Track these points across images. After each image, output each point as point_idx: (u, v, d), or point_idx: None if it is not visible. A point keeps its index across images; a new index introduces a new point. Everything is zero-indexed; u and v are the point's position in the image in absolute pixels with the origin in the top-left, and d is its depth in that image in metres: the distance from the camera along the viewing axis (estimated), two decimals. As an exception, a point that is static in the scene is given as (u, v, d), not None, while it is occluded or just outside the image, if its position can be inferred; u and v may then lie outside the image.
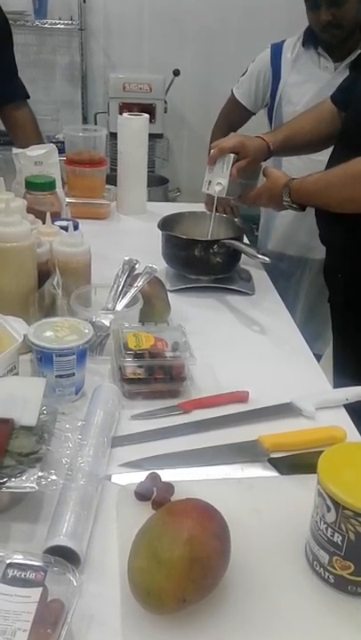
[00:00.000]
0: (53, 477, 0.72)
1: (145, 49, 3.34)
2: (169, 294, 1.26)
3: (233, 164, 1.41)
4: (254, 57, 2.08)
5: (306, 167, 1.46)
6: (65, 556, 0.64)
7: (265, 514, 0.76)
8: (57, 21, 3.23)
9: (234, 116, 2.15)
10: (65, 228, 1.21)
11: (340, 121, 1.43)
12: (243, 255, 1.40)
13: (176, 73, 3.11)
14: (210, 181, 1.45)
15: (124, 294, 1.15)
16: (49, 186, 1.46)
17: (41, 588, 0.59)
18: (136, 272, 1.19)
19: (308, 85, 1.91)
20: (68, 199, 1.70)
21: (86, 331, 0.96)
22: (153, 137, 2.96)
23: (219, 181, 1.43)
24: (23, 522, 0.73)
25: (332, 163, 1.36)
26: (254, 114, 2.13)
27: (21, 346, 0.94)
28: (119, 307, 1.14)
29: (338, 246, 1.43)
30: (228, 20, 3.24)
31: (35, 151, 1.62)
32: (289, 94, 1.95)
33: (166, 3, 3.26)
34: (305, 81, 1.92)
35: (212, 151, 1.44)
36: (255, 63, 2.07)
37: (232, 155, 1.42)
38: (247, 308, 1.34)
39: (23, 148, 1.65)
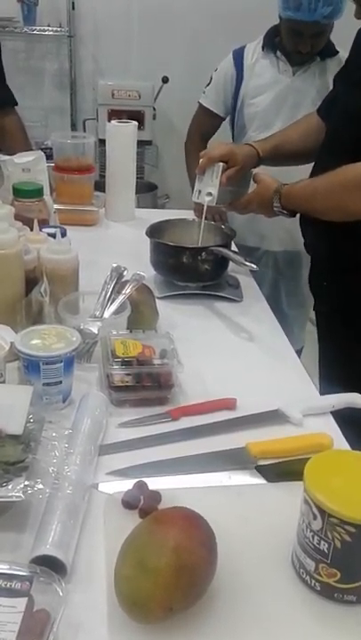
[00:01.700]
0: (40, 486, 0.71)
1: (134, 56, 3.35)
2: (157, 301, 1.26)
3: (222, 173, 1.42)
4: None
5: (292, 176, 1.46)
6: (51, 566, 0.64)
7: (252, 521, 0.76)
8: (46, 28, 3.23)
9: (205, 125, 2.23)
10: (53, 235, 1.20)
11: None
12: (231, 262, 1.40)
13: (165, 80, 3.12)
14: (200, 190, 1.46)
15: (112, 301, 1.15)
16: (37, 193, 1.45)
17: (26, 598, 0.59)
18: (124, 279, 1.19)
19: (269, 88, 2.01)
20: (56, 206, 1.70)
21: (74, 338, 0.96)
22: (142, 144, 2.96)
23: (209, 191, 1.44)
24: (9, 531, 0.73)
25: (315, 171, 1.37)
26: (224, 119, 2.19)
27: (8, 354, 0.94)
28: (107, 314, 1.13)
29: (323, 254, 1.44)
30: (216, 28, 3.26)
31: (22, 158, 1.62)
32: (250, 97, 2.04)
33: (155, 10, 3.27)
34: (265, 84, 2.02)
35: (200, 160, 1.45)
36: (219, 71, 2.15)
37: (221, 163, 1.43)
38: (235, 315, 1.34)
39: (11, 154, 1.65)
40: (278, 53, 2.00)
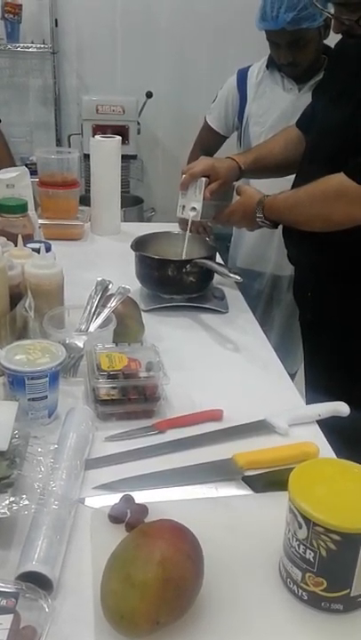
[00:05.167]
0: (25, 502, 0.71)
1: (117, 71, 3.38)
2: (143, 314, 1.26)
3: (205, 188, 1.43)
4: (225, 79, 2.14)
5: (274, 187, 1.47)
6: (38, 582, 0.64)
7: (239, 532, 0.76)
8: (29, 45, 3.24)
9: (208, 141, 2.22)
10: (37, 250, 1.21)
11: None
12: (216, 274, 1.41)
13: (149, 95, 3.14)
14: (184, 206, 1.47)
15: (98, 315, 1.15)
16: (21, 208, 1.46)
17: (12, 615, 0.59)
18: (109, 293, 1.19)
19: (274, 107, 1.98)
20: (41, 221, 1.71)
21: (59, 353, 0.96)
22: (127, 158, 2.98)
23: (193, 206, 1.44)
24: (-5, 548, 0.72)
25: (297, 183, 1.38)
26: (227, 137, 2.18)
27: (-7, 369, 0.94)
28: (92, 328, 1.14)
29: (306, 265, 1.45)
30: (200, 43, 3.30)
31: (6, 174, 1.63)
32: (256, 116, 2.02)
33: (139, 25, 3.30)
34: (270, 102, 1.99)
35: (183, 177, 1.45)
36: (223, 89, 2.14)
37: (204, 178, 1.43)
38: (221, 327, 1.34)
39: (-5, 171, 1.66)
40: (283, 72, 1.96)
